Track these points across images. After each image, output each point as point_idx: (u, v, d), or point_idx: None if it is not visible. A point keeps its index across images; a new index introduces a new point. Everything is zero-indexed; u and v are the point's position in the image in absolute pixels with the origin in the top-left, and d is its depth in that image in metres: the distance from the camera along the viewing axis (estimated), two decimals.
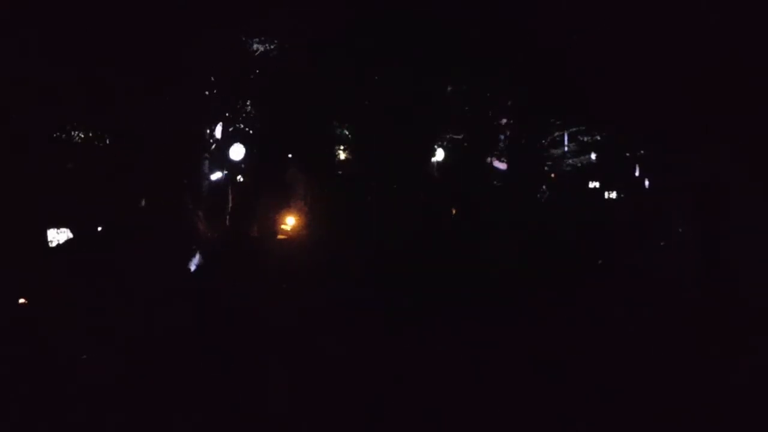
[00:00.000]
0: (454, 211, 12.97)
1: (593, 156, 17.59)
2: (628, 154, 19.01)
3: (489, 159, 14.80)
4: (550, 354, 6.20)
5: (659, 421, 4.86)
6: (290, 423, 4.80)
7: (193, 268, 8.60)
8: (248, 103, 10.19)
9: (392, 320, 6.90)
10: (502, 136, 14.89)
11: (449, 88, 12.73)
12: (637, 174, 18.95)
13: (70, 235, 8.11)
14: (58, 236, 8.11)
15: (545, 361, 5.98)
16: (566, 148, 17.15)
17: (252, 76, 9.55)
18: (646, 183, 18.66)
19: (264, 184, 10.44)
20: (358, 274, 8.49)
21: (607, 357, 6.13)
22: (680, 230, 12.21)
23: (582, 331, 6.99)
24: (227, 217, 9.82)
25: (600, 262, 9.99)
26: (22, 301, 6.84)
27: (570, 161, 17.25)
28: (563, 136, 16.95)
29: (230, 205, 9.92)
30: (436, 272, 8.39)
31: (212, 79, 9.09)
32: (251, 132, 10.43)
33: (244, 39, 9.28)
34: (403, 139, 11.35)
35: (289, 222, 11.08)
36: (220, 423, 4.77)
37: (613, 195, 18.93)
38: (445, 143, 13.60)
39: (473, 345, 6.40)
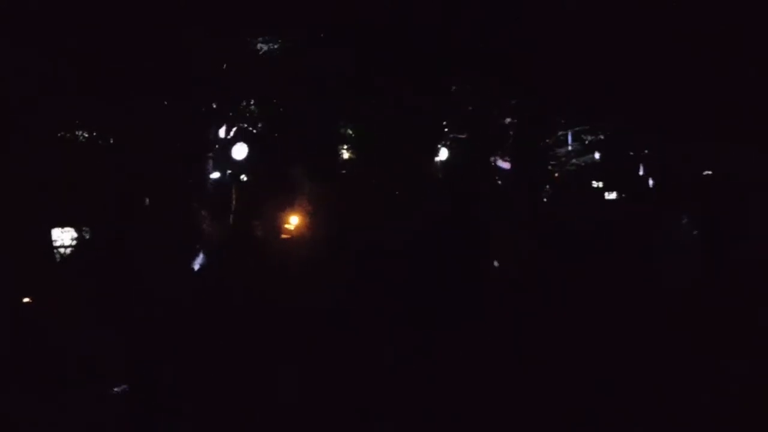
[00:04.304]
0: (456, 211, 12.94)
1: (597, 155, 17.59)
2: (632, 153, 19.01)
3: (493, 158, 14.79)
4: (551, 355, 6.21)
5: (659, 421, 4.87)
6: (291, 423, 4.82)
7: (197, 267, 8.62)
8: (251, 103, 10.22)
9: (393, 321, 6.91)
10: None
11: (453, 88, 12.73)
12: (641, 173, 18.95)
13: (75, 235, 8.13)
14: (62, 236, 8.14)
15: (546, 362, 5.98)
16: (570, 147, 17.15)
17: (255, 76, 9.57)
18: (650, 182, 18.66)
19: (267, 183, 10.46)
20: (360, 275, 8.49)
21: (607, 358, 6.13)
22: (684, 230, 12.18)
23: (583, 332, 6.99)
24: (231, 216, 9.84)
25: (602, 262, 9.97)
26: (26, 300, 6.87)
27: (574, 161, 17.25)
28: (567, 135, 16.95)
29: (234, 204, 9.94)
30: (438, 272, 8.39)
31: (216, 78, 9.11)
32: (254, 131, 10.47)
33: (248, 39, 9.30)
34: (407, 138, 11.36)
35: (293, 222, 11.07)
36: (223, 423, 4.79)
37: (614, 195, 18.92)
38: (448, 143, 13.61)
39: (474, 345, 6.40)
